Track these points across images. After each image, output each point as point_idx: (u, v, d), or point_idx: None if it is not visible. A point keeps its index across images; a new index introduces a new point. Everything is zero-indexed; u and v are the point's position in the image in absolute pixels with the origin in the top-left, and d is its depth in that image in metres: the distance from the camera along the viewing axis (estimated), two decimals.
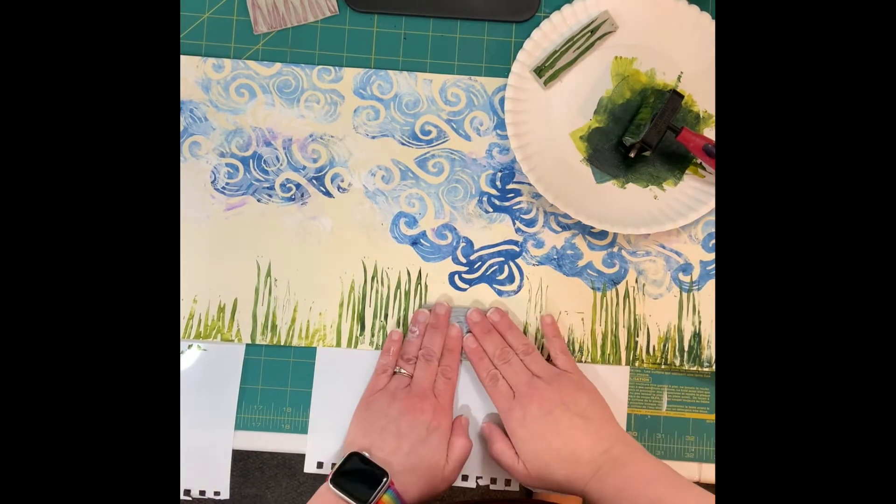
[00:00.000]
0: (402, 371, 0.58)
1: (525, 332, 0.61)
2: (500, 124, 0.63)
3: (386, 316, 0.62)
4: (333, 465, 0.56)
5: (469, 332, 0.60)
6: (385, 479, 0.52)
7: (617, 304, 0.62)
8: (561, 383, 0.56)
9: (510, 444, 0.56)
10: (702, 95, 0.62)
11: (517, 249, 0.63)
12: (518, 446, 0.55)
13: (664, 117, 0.58)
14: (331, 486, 0.52)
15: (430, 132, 0.63)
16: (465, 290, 0.62)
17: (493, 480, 0.61)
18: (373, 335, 0.61)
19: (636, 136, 0.59)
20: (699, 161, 0.62)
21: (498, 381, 0.57)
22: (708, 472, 0.61)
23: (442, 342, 0.59)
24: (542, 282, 0.62)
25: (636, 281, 0.62)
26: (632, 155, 0.60)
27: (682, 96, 0.58)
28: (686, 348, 0.62)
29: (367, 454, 0.54)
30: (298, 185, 0.62)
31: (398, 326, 0.61)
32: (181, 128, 0.62)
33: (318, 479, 1.46)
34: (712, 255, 0.63)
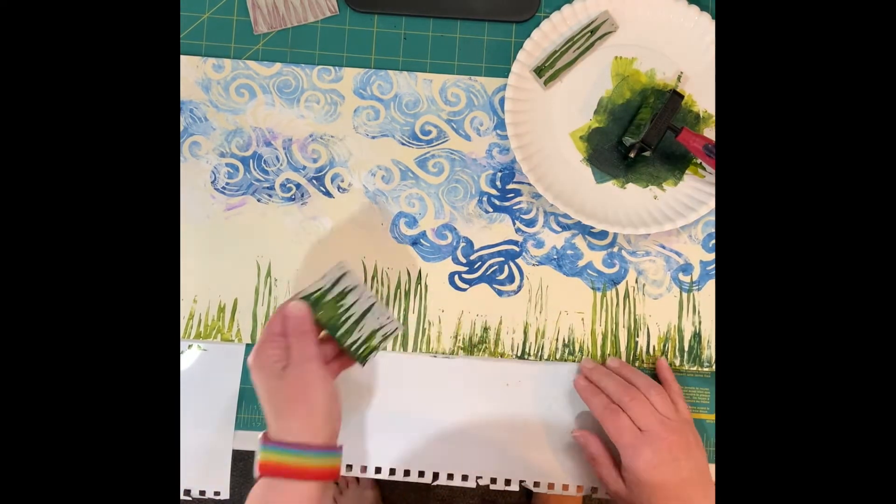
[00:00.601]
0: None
1: (525, 332, 0.61)
2: (500, 124, 0.63)
3: None
4: None
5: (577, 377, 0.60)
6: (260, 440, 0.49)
7: (617, 304, 0.62)
8: (687, 431, 0.56)
9: (617, 469, 0.57)
10: (702, 95, 0.62)
11: (517, 249, 0.63)
12: (631, 479, 0.55)
13: (664, 117, 0.58)
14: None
15: (430, 132, 0.63)
16: (465, 290, 0.62)
17: (493, 480, 0.61)
18: None
19: (636, 136, 0.59)
20: (699, 161, 0.61)
21: (620, 414, 0.56)
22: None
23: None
24: (542, 282, 0.62)
25: (636, 281, 0.62)
26: (632, 155, 0.60)
27: (682, 96, 0.58)
28: (686, 348, 0.62)
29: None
30: (298, 185, 0.62)
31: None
32: (181, 128, 0.62)
33: None
34: (712, 255, 0.63)
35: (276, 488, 0.48)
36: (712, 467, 0.61)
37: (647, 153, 0.60)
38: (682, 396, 0.59)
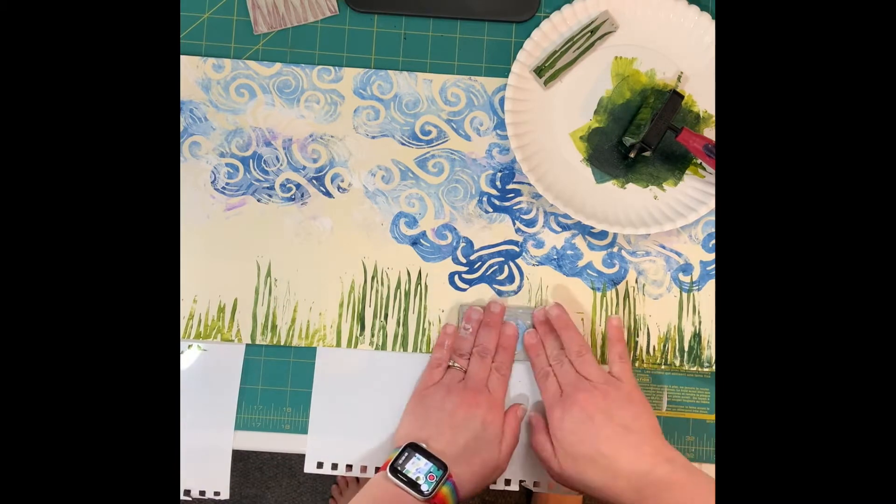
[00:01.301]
0: (456, 365, 0.59)
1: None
2: (500, 124, 0.63)
3: (386, 316, 0.62)
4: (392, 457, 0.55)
5: (529, 329, 0.61)
6: (445, 471, 0.52)
7: (617, 304, 0.62)
8: (609, 390, 0.55)
9: (550, 438, 0.56)
10: (702, 95, 0.62)
11: (517, 249, 0.63)
12: (556, 445, 0.55)
13: (664, 117, 0.58)
14: (389, 474, 0.52)
15: (430, 132, 0.63)
16: (465, 290, 0.62)
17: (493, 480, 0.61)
18: (373, 335, 0.61)
19: (636, 136, 0.59)
20: (699, 161, 0.62)
21: (548, 378, 0.58)
22: (708, 472, 0.61)
23: (496, 340, 0.60)
24: (542, 282, 0.62)
25: (636, 281, 0.62)
26: (632, 155, 0.61)
27: (682, 96, 0.58)
28: (686, 348, 0.62)
29: (424, 446, 0.54)
30: (298, 185, 0.62)
31: (398, 326, 0.61)
32: (181, 128, 0.62)
33: (318, 480, 1.46)
34: (712, 255, 0.63)
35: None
36: (712, 467, 0.61)
37: (647, 153, 0.60)
38: (623, 356, 0.58)
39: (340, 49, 0.63)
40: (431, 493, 0.51)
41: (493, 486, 0.60)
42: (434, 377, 0.59)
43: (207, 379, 0.61)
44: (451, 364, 0.59)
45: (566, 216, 0.62)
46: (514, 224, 0.63)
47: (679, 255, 0.63)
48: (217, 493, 0.61)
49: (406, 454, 0.53)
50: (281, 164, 0.62)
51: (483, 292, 0.62)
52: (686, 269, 0.63)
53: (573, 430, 0.54)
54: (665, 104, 0.58)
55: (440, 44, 0.64)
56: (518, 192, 0.63)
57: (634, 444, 0.53)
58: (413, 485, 0.52)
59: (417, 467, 0.52)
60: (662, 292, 0.62)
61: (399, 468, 0.53)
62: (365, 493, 0.53)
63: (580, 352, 0.57)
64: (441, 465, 0.53)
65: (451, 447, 0.54)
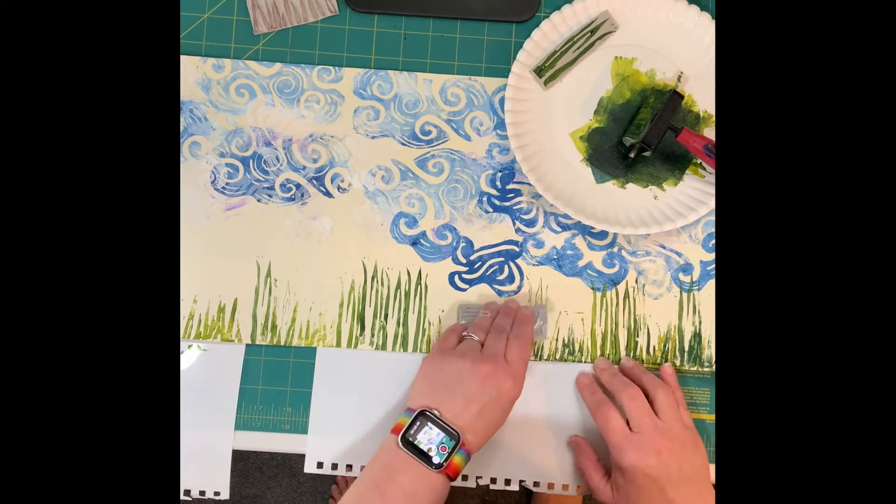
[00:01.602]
0: (474, 336, 0.57)
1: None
2: (500, 124, 0.63)
3: (386, 316, 0.62)
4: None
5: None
6: (457, 441, 0.51)
7: (617, 304, 0.62)
8: (684, 437, 0.54)
9: (606, 477, 0.56)
10: (702, 95, 0.62)
11: (517, 249, 0.63)
12: (618, 486, 0.55)
13: (664, 117, 0.58)
14: (401, 445, 0.51)
15: (430, 132, 0.63)
16: (465, 290, 0.62)
17: (493, 480, 0.61)
18: (373, 335, 0.61)
19: (636, 136, 0.59)
20: (699, 161, 0.61)
21: (611, 412, 0.55)
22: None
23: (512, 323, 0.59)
24: (542, 282, 0.62)
25: (636, 281, 0.62)
26: (632, 155, 0.61)
27: (682, 96, 0.58)
28: (686, 348, 0.62)
29: (436, 412, 0.53)
30: (298, 186, 0.62)
31: (398, 326, 0.61)
32: (181, 128, 0.62)
33: (318, 480, 1.46)
34: (712, 255, 0.63)
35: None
36: (712, 467, 0.61)
37: (647, 153, 0.60)
38: (684, 404, 0.57)
39: (340, 49, 0.63)
40: (443, 464, 0.51)
41: (493, 487, 0.60)
42: (448, 343, 0.57)
43: (207, 379, 0.61)
44: (466, 335, 0.57)
45: (566, 216, 0.62)
46: (514, 224, 0.63)
47: (679, 255, 0.63)
48: (217, 493, 0.61)
49: (418, 423, 0.52)
50: (281, 165, 0.62)
51: (483, 292, 0.62)
52: (686, 268, 0.63)
53: (644, 470, 0.53)
54: (665, 104, 0.58)
55: (440, 44, 0.64)
56: (518, 192, 0.63)
57: (700, 495, 0.53)
58: (424, 456, 0.51)
59: (429, 437, 0.51)
60: (662, 292, 0.62)
61: (410, 438, 0.52)
62: (376, 460, 0.52)
63: (665, 392, 0.56)
64: (454, 434, 0.51)
65: (465, 414, 0.53)
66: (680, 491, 0.53)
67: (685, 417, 0.56)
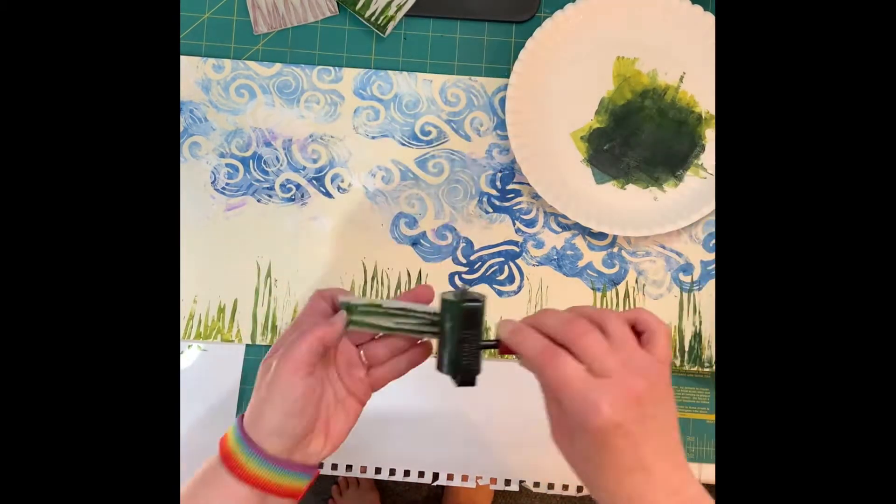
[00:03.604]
0: None
1: None
2: (500, 124, 0.63)
3: None
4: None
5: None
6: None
7: (617, 304, 0.62)
8: (659, 379, 0.40)
9: (564, 428, 0.41)
10: (704, 96, 0.62)
11: (517, 250, 0.63)
12: (579, 440, 0.39)
13: (470, 339, 0.45)
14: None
15: (430, 132, 0.63)
16: None
17: (493, 480, 0.61)
18: None
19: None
20: (700, 162, 0.61)
21: (561, 357, 0.39)
22: (708, 472, 0.61)
23: None
24: (542, 282, 0.62)
25: (636, 281, 0.62)
26: (457, 386, 0.45)
27: (479, 304, 0.45)
28: (686, 348, 0.62)
29: None
30: (298, 186, 0.62)
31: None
32: (181, 128, 0.62)
33: (318, 480, 1.46)
34: (712, 255, 0.63)
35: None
36: (713, 467, 0.61)
37: (472, 382, 0.45)
38: (668, 336, 0.41)
39: (340, 49, 0.63)
40: None
41: (493, 487, 0.60)
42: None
43: (207, 379, 0.61)
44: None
45: (566, 216, 0.62)
46: (514, 224, 0.63)
47: (679, 254, 0.63)
48: None
49: None
50: (281, 165, 0.62)
51: (483, 293, 0.62)
52: (686, 268, 0.63)
53: (622, 426, 0.38)
54: (461, 321, 0.44)
55: (440, 44, 0.64)
56: (518, 193, 0.63)
57: (675, 463, 0.40)
58: None
59: None
60: (663, 292, 0.62)
61: None
62: None
63: (618, 320, 0.41)
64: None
65: None
66: (655, 457, 0.38)
67: (661, 351, 0.41)
